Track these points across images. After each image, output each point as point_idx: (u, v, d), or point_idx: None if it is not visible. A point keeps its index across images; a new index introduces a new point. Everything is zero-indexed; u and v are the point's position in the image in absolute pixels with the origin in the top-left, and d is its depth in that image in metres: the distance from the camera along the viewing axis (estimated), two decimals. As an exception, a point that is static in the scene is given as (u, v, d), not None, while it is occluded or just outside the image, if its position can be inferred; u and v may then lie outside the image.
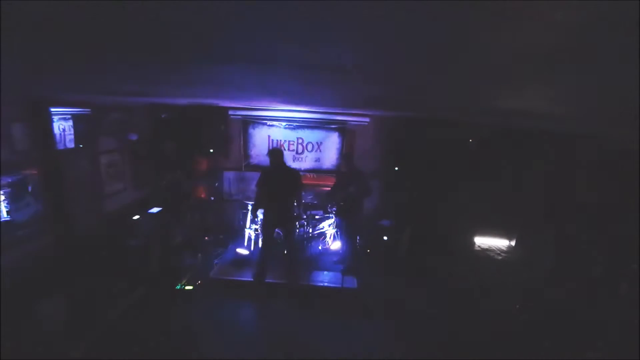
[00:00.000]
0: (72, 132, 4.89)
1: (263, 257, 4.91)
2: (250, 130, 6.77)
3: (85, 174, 4.93)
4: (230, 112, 6.57)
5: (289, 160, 6.66)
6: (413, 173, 6.32)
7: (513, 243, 6.92)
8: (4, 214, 3.88)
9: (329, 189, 6.03)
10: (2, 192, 3.75)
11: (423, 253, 5.86)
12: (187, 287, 4.91)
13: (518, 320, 4.54)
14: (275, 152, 4.77)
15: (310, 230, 5.92)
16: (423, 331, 4.29)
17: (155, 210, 5.76)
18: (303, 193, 5.14)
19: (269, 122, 6.70)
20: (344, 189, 5.30)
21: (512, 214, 6.51)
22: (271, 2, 0.75)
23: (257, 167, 6.67)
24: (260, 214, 5.27)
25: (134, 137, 5.91)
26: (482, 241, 7.02)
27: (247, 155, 6.90)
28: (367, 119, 6.51)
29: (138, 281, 4.76)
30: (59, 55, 1.49)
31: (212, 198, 6.84)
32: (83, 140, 4.94)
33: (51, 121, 4.39)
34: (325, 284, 5.10)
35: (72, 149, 4.80)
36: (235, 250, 5.77)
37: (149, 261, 5.11)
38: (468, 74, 1.49)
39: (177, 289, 4.85)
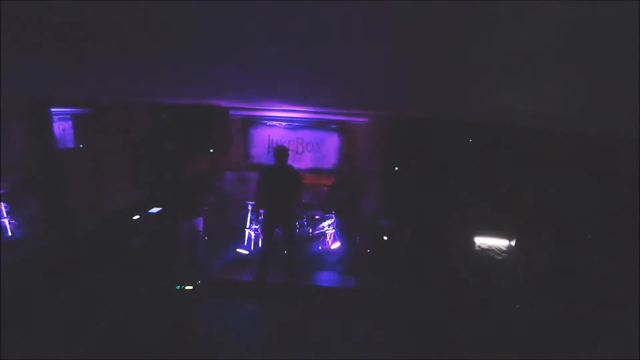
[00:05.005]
0: (72, 132, 4.89)
1: (263, 257, 4.91)
2: (250, 130, 6.77)
3: (85, 174, 4.93)
4: (231, 112, 6.57)
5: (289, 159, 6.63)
6: (413, 173, 6.31)
7: (513, 243, 6.91)
8: (4, 214, 3.88)
9: (328, 188, 6.03)
10: (2, 193, 3.76)
11: (423, 253, 5.85)
12: (187, 287, 4.90)
13: (518, 320, 4.53)
14: (281, 150, 4.77)
15: (310, 230, 5.92)
16: (423, 331, 4.28)
17: (155, 210, 5.76)
18: (303, 193, 5.13)
19: (269, 122, 6.70)
20: (342, 188, 5.30)
21: (512, 214, 6.51)
22: (272, 2, 0.75)
23: (257, 167, 6.66)
24: (260, 214, 5.27)
25: (135, 137, 5.90)
26: (482, 241, 7.01)
27: (247, 155, 6.90)
28: (366, 119, 6.51)
29: (138, 280, 4.75)
30: (58, 55, 1.49)
31: (212, 198, 6.82)
32: (83, 140, 4.94)
33: (51, 121, 4.39)
34: (325, 284, 5.09)
35: (72, 149, 4.80)
36: (235, 250, 5.77)
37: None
38: (468, 74, 1.49)
39: (177, 289, 4.85)
